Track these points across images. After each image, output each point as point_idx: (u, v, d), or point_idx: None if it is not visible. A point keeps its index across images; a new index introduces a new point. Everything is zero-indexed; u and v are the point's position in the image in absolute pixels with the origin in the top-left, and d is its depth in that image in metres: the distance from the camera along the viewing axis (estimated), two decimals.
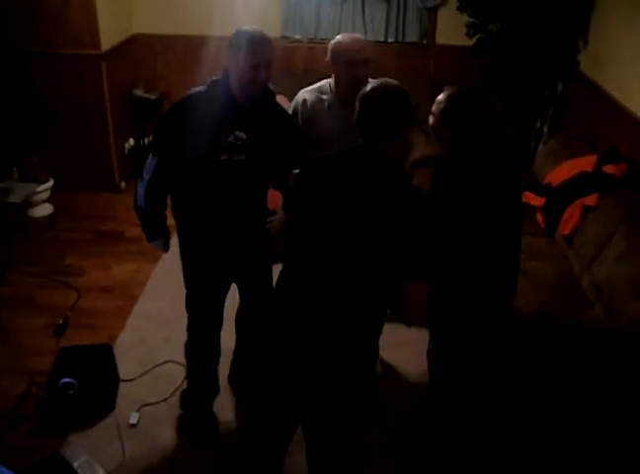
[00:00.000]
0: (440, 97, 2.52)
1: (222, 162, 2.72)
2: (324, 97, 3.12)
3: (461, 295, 2.67)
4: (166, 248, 3.08)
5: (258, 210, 2.99)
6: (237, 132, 2.70)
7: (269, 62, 2.61)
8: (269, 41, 2.62)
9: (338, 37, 3.03)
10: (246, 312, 3.30)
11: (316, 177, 2.21)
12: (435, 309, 2.91)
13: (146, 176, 2.83)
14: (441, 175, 2.76)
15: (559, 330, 3.21)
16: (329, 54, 3.01)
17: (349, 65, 2.94)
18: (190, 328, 3.18)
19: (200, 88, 2.76)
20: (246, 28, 2.62)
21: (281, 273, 2.29)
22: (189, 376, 3.27)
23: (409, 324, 2.25)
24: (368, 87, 2.15)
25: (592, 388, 2.98)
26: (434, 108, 2.54)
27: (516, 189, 2.63)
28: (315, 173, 2.23)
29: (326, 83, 3.16)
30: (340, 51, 2.96)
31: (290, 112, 3.15)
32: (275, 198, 3.06)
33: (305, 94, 3.18)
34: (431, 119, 2.56)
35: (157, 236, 3.03)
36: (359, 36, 3.09)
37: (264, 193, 2.97)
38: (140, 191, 2.87)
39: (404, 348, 3.68)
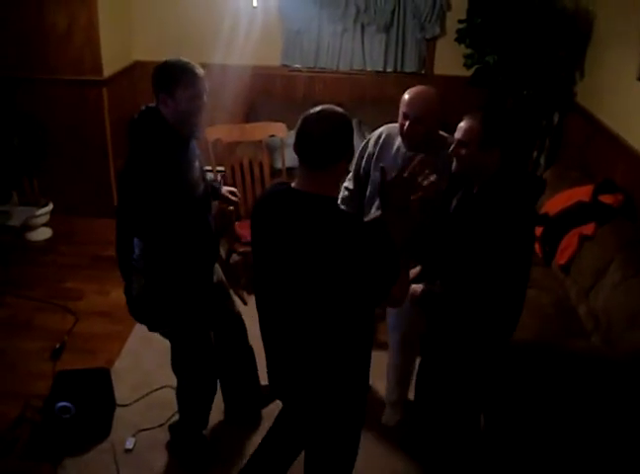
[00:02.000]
0: (469, 124, 2.50)
1: (199, 199, 2.75)
2: (397, 139, 3.08)
3: (465, 321, 2.69)
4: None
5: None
6: (195, 163, 2.74)
7: (206, 88, 2.61)
8: (200, 68, 2.60)
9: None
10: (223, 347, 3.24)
11: (260, 213, 2.17)
12: (433, 336, 2.93)
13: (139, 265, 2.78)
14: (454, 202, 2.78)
15: (556, 358, 3.22)
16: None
17: (401, 115, 2.94)
18: (191, 378, 3.13)
19: (153, 157, 2.60)
20: (172, 59, 2.59)
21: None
22: (183, 416, 3.24)
23: (397, 306, 2.25)
24: (313, 109, 2.07)
25: (588, 416, 2.97)
26: (462, 137, 2.51)
27: (534, 213, 2.65)
28: (259, 210, 2.19)
29: None
30: (402, 100, 2.95)
31: (365, 139, 3.23)
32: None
33: (384, 129, 3.18)
34: (462, 152, 2.53)
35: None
36: (426, 88, 2.98)
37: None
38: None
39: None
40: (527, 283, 2.69)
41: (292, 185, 2.07)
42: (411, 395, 3.54)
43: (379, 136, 3.16)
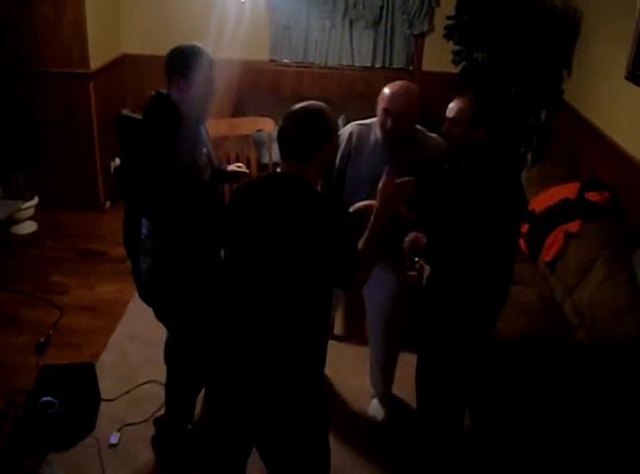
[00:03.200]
0: (459, 105, 2.59)
1: (205, 183, 2.74)
2: (372, 135, 3.08)
3: (457, 297, 2.76)
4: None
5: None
6: (203, 149, 2.74)
7: (215, 76, 2.66)
8: (210, 53, 2.65)
9: (392, 83, 2.98)
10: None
11: (238, 202, 2.23)
12: (429, 328, 2.95)
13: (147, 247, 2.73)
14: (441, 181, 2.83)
15: (541, 353, 3.25)
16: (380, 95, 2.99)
17: (383, 112, 2.93)
18: (183, 370, 3.12)
19: (159, 137, 2.62)
20: (185, 44, 2.65)
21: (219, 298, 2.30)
22: (170, 409, 3.22)
23: (352, 292, 2.41)
24: (295, 105, 2.18)
25: (574, 410, 3.00)
26: (455, 116, 2.60)
27: (520, 187, 2.71)
28: (238, 198, 2.24)
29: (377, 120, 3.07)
30: (380, 98, 2.95)
31: None
32: None
33: (354, 127, 3.15)
34: (455, 130, 2.61)
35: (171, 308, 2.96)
36: (405, 84, 2.96)
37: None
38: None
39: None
40: (515, 259, 2.74)
41: (279, 168, 2.20)
42: (395, 390, 3.61)
43: (350, 136, 3.12)
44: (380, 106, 2.95)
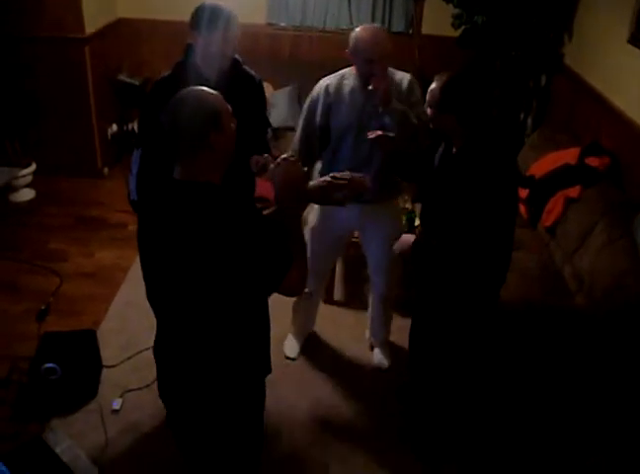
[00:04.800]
0: (433, 86, 2.54)
1: None
2: (347, 83, 3.10)
3: (453, 281, 2.73)
4: None
5: (243, 186, 2.95)
6: None
7: (236, 35, 2.68)
8: (235, 15, 2.68)
9: (357, 29, 2.97)
10: None
11: (143, 217, 2.03)
12: (423, 296, 2.96)
13: (134, 169, 2.83)
14: (436, 164, 2.80)
15: (539, 318, 3.27)
16: (349, 47, 2.97)
17: (365, 61, 2.93)
18: None
19: (166, 73, 2.80)
20: (209, 2, 2.70)
21: None
22: None
23: (291, 295, 2.12)
24: (180, 92, 1.89)
25: (572, 374, 3.03)
26: (428, 98, 2.56)
27: (515, 172, 2.68)
28: (143, 213, 2.05)
29: (349, 70, 3.13)
30: (357, 48, 2.93)
31: (309, 100, 3.20)
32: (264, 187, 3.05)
33: (327, 80, 3.17)
34: (428, 111, 2.59)
35: None
36: (378, 30, 2.97)
37: (247, 167, 2.88)
38: (132, 185, 2.87)
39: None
40: (512, 240, 2.72)
41: (174, 174, 1.90)
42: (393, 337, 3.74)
43: (327, 90, 3.13)
44: (360, 57, 2.94)
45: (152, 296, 2.07)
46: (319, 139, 3.19)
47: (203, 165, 1.85)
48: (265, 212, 2.05)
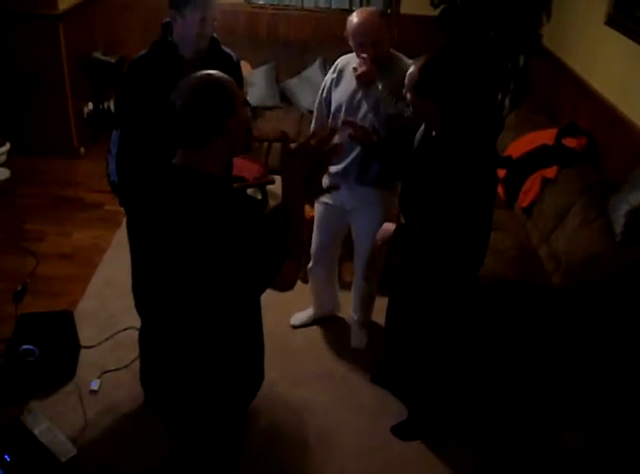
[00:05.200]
0: (412, 70, 2.52)
1: None
2: (353, 62, 3.10)
3: (434, 263, 2.74)
4: None
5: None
6: None
7: (214, 15, 2.65)
8: None
9: (353, 14, 2.98)
10: None
11: (138, 204, 1.96)
12: (404, 275, 2.98)
13: (113, 150, 2.82)
14: (416, 147, 2.80)
15: (517, 297, 3.31)
16: (346, 30, 2.99)
17: (359, 45, 2.95)
18: None
19: (142, 52, 2.78)
20: None
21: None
22: None
23: (283, 290, 1.99)
24: (189, 76, 1.81)
25: (547, 351, 3.09)
26: (407, 82, 2.55)
27: (495, 154, 2.68)
28: (138, 200, 1.97)
29: None
30: (351, 32, 2.95)
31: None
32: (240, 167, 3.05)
33: (341, 59, 3.22)
34: (408, 96, 2.57)
35: None
36: (371, 14, 2.96)
37: None
38: (111, 166, 2.86)
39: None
40: (491, 221, 2.74)
41: (175, 159, 1.84)
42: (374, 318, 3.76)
43: (336, 67, 3.23)
44: (354, 41, 2.97)
45: (140, 286, 2.04)
46: (327, 113, 3.27)
47: (213, 152, 1.79)
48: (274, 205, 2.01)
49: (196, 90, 1.75)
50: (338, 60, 3.24)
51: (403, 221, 2.96)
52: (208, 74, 1.79)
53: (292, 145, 1.89)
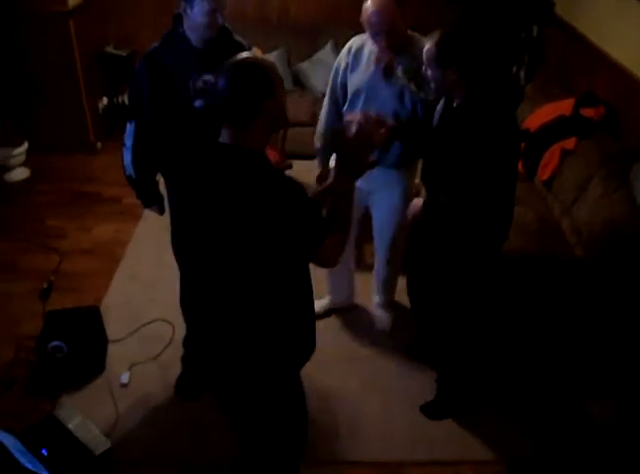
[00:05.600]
0: (427, 46, 2.52)
1: (197, 109, 2.73)
2: (367, 45, 3.08)
3: (461, 236, 2.74)
4: (162, 212, 3.08)
5: None
6: (203, 76, 2.71)
7: (224, 5, 2.66)
8: None
9: (368, 1, 2.91)
10: None
11: (182, 183, 2.02)
12: (427, 250, 2.97)
13: (128, 143, 2.83)
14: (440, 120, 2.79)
15: (541, 269, 3.30)
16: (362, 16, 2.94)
17: (372, 33, 2.92)
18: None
19: (154, 44, 2.78)
20: None
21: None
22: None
23: (326, 266, 2.09)
24: (231, 59, 1.93)
25: (571, 323, 3.08)
26: (425, 59, 2.55)
27: (515, 124, 2.67)
28: (181, 178, 2.03)
29: None
30: (364, 19, 2.91)
31: (337, 59, 3.22)
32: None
33: (352, 41, 3.18)
34: (429, 73, 2.58)
35: (153, 202, 3.03)
36: (386, 1, 2.87)
37: None
38: (127, 159, 2.88)
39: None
40: (515, 191, 2.73)
41: (221, 138, 1.92)
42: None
43: (349, 49, 3.16)
44: (368, 31, 2.93)
45: (189, 262, 2.09)
46: (343, 97, 3.22)
47: (256, 131, 1.88)
48: (326, 183, 2.13)
49: (236, 72, 1.87)
50: (350, 41, 3.18)
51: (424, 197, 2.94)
52: (249, 58, 1.92)
53: (349, 131, 2.02)
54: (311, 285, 2.09)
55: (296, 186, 1.87)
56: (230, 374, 2.11)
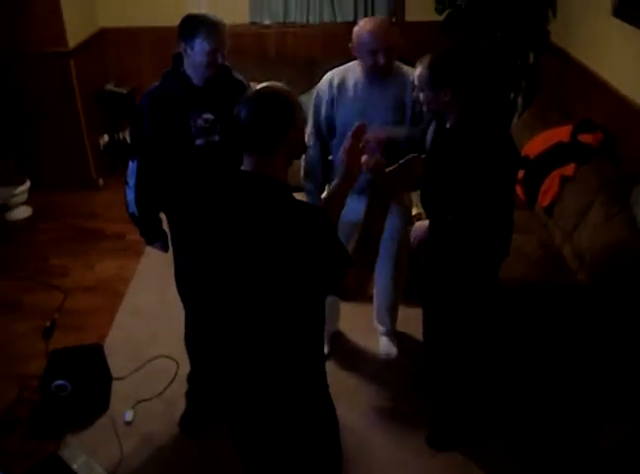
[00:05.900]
0: (419, 69, 2.56)
1: (199, 148, 2.77)
2: (351, 76, 3.11)
3: (466, 255, 2.74)
4: (165, 249, 3.09)
5: None
6: (204, 115, 2.75)
7: (224, 45, 2.68)
8: (223, 24, 2.69)
9: (360, 22, 2.98)
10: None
11: (202, 211, 2.00)
12: (433, 281, 2.97)
13: (131, 182, 2.85)
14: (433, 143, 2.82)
15: (543, 297, 3.28)
16: (353, 40, 2.98)
17: (370, 53, 2.93)
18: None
19: (155, 83, 2.81)
20: (196, 13, 2.71)
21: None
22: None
23: (347, 299, 2.12)
24: (251, 88, 1.93)
25: (575, 349, 3.06)
26: (417, 83, 2.59)
27: (509, 139, 2.69)
28: (201, 206, 2.01)
29: (353, 64, 3.13)
30: (360, 40, 2.93)
31: (316, 93, 3.22)
32: None
33: (332, 74, 3.18)
34: (421, 96, 2.61)
35: (156, 239, 3.04)
36: (381, 20, 3.01)
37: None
38: (129, 197, 2.89)
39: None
40: (513, 211, 2.76)
41: (243, 166, 1.92)
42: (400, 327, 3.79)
43: (331, 82, 3.15)
44: (366, 48, 2.94)
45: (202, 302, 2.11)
46: (328, 131, 3.21)
47: (279, 159, 1.89)
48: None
49: (261, 101, 1.86)
50: (328, 75, 3.17)
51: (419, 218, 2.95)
52: (272, 87, 1.91)
53: (388, 168, 2.06)
54: (324, 322, 2.06)
55: (322, 213, 1.88)
56: (247, 410, 2.06)
